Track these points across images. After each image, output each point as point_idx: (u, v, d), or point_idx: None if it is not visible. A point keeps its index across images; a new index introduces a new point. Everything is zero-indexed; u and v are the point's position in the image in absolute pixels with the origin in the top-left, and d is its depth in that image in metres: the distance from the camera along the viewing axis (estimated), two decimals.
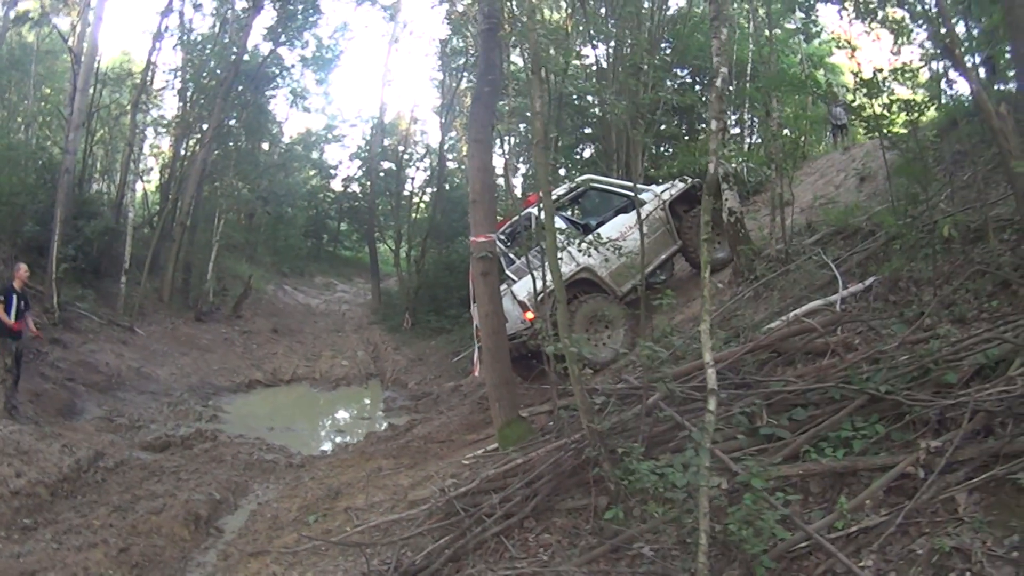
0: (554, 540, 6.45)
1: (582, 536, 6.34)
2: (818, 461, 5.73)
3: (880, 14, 10.58)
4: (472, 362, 12.12)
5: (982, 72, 11.31)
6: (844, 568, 4.68)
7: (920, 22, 9.99)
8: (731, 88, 21.01)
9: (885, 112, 10.15)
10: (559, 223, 12.82)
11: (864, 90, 10.26)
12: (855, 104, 10.68)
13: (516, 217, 13.27)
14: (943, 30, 8.88)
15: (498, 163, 28.19)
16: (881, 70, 10.18)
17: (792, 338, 8.23)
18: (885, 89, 10.06)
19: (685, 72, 26.85)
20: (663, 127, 23.27)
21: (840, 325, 8.27)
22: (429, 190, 37.70)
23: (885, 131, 10.24)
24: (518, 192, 26.10)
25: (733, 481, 5.60)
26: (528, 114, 20.39)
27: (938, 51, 9.91)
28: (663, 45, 24.46)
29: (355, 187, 45.06)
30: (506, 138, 26.87)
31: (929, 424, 5.75)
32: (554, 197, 12.86)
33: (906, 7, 10.28)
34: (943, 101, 11.40)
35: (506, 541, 6.58)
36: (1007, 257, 8.18)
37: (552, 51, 20.18)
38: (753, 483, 5.07)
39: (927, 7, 9.64)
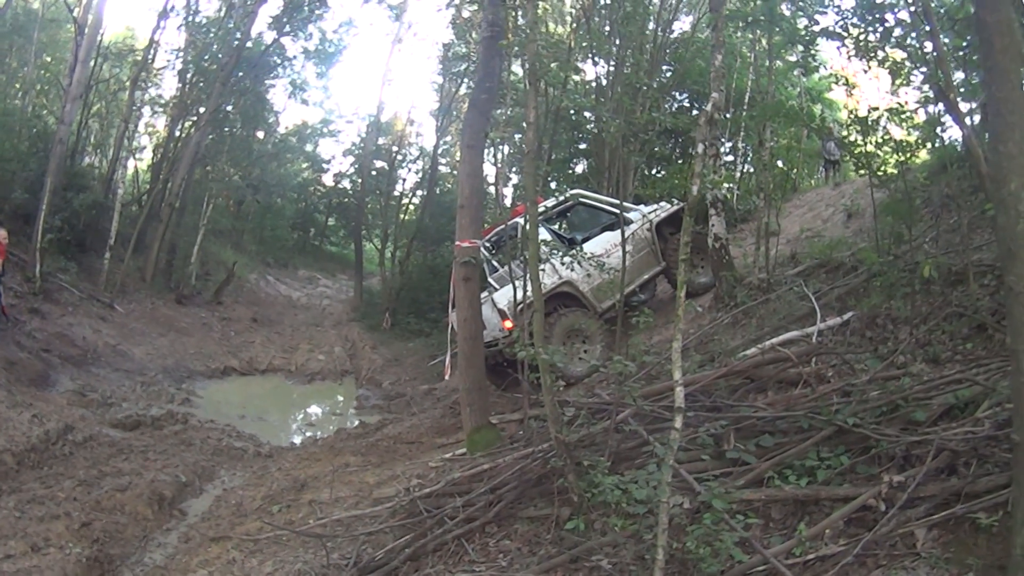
0: (514, 547, 6.46)
1: (542, 545, 6.34)
2: (781, 488, 5.75)
3: (880, 54, 10.62)
4: (445, 365, 12.09)
5: (976, 119, 11.36)
6: None
7: (918, 65, 10.05)
8: (727, 115, 21.14)
9: (877, 151, 10.22)
10: (545, 235, 12.86)
11: (858, 127, 10.33)
12: (848, 140, 10.72)
13: (502, 226, 13.26)
14: (940, 74, 8.95)
15: (490, 171, 28.46)
16: (876, 109, 10.24)
17: (766, 366, 8.23)
18: (878, 128, 10.13)
19: (683, 96, 26.89)
20: (656, 149, 23.28)
21: (815, 356, 8.27)
22: (419, 192, 37.64)
23: (876, 170, 10.29)
24: (508, 202, 26.06)
25: (695, 501, 5.63)
26: (523, 124, 20.44)
27: (934, 94, 9.94)
28: (664, 67, 24.50)
29: (346, 183, 45.04)
30: (500, 147, 27.03)
31: (895, 459, 5.78)
32: (543, 209, 12.95)
33: (906, 49, 10.33)
34: (936, 144, 11.43)
35: (466, 544, 6.58)
36: (985, 301, 8.21)
37: (552, 65, 20.23)
38: (714, 503, 5.10)
39: (926, 52, 9.70)
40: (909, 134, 10.58)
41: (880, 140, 10.07)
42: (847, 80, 13.36)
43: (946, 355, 7.68)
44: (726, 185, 17.87)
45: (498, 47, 10.89)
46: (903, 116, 10.10)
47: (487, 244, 13.75)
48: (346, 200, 44.63)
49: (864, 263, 10.77)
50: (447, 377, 11.83)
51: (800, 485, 5.74)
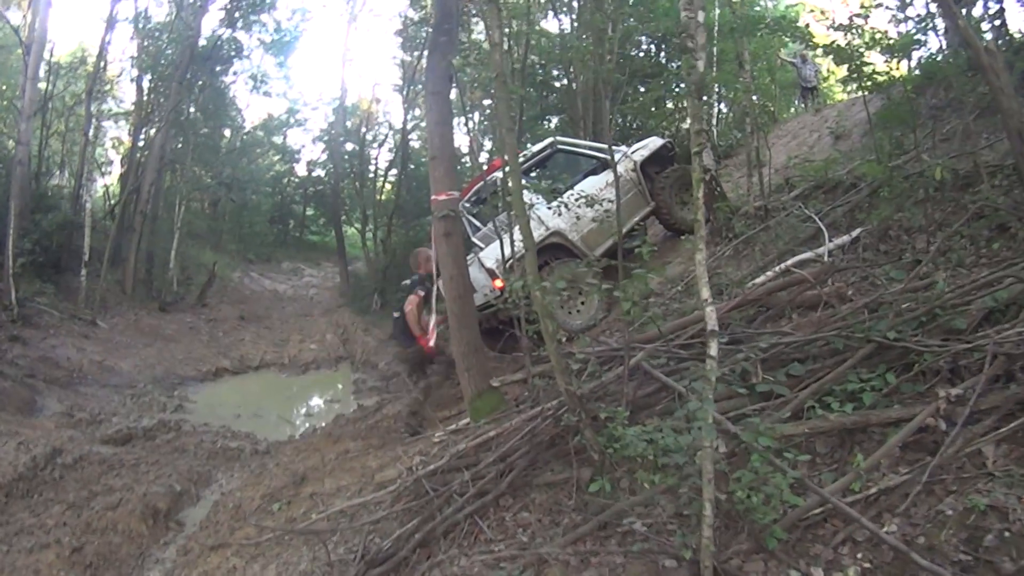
0: (534, 519, 5.93)
1: (565, 513, 5.81)
2: (825, 417, 5.22)
3: None
4: (428, 331, 11.48)
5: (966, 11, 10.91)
6: (867, 534, 4.16)
7: None
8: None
9: (864, 54, 9.78)
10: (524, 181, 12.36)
11: (842, 32, 9.88)
12: (833, 45, 10.20)
13: (480, 183, 12.70)
14: None
15: (463, 141, 28.03)
16: (859, 15, 9.83)
17: (780, 291, 7.82)
18: (862, 31, 9.69)
19: (650, 42, 26.38)
20: (629, 96, 22.87)
21: (831, 276, 7.82)
22: (393, 171, 37.14)
23: (869, 76, 9.82)
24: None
25: (732, 444, 5.06)
26: (491, 91, 19.90)
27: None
28: (627, 12, 23.98)
29: (319, 171, 44.57)
30: (471, 116, 26.61)
31: (941, 373, 5.35)
32: (521, 159, 12.37)
33: None
34: (920, 57, 11.06)
35: (480, 522, 6.06)
36: (1002, 200, 7.90)
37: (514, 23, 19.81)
38: (760, 442, 4.49)
39: None
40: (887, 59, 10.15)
41: (870, 40, 9.55)
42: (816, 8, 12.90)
43: (970, 260, 7.33)
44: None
45: None
46: (878, 39, 9.67)
47: (467, 204, 13.23)
48: (321, 188, 44.10)
49: (865, 177, 10.51)
50: (431, 344, 11.24)
51: (846, 412, 5.22)
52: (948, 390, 4.89)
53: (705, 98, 19.71)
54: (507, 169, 7.81)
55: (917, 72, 10.90)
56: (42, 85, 25.21)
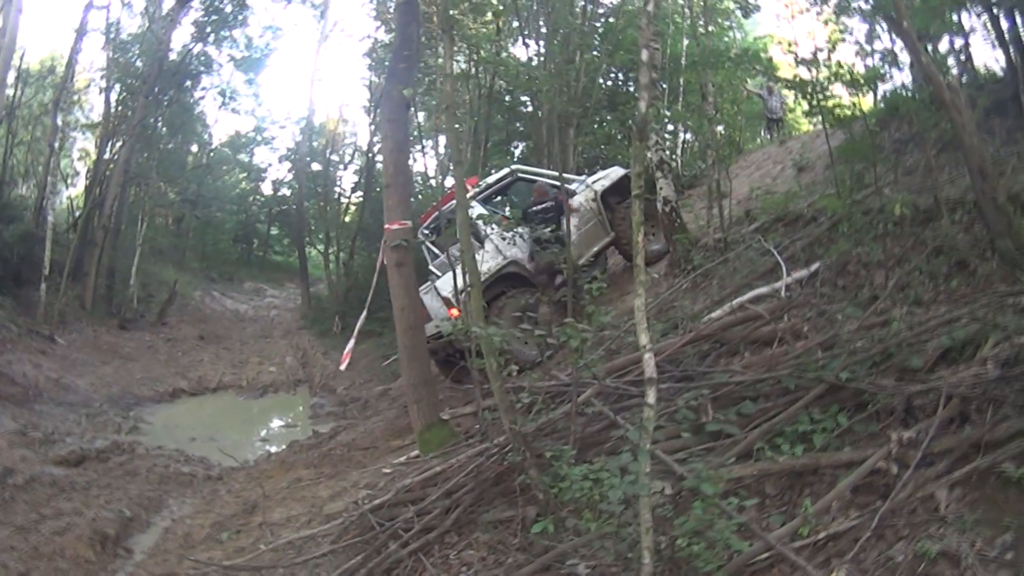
0: (478, 557, 5.84)
1: (509, 552, 5.72)
2: (774, 459, 5.14)
3: None
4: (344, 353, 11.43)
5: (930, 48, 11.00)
6: None
7: None
8: (663, 84, 20.73)
9: (827, 88, 9.81)
10: (481, 211, 12.32)
11: (806, 66, 9.91)
12: (797, 80, 10.22)
13: (437, 212, 12.64)
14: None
15: (430, 164, 28.00)
16: (823, 50, 9.90)
17: (735, 327, 7.81)
18: (829, 63, 9.73)
19: (616, 71, 26.51)
20: (594, 124, 22.96)
21: (787, 312, 7.79)
22: (358, 192, 37.03)
23: (831, 110, 9.84)
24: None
25: (679, 486, 4.95)
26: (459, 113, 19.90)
27: (887, 26, 9.52)
28: (595, 42, 24.05)
29: (285, 190, 44.34)
30: (437, 139, 26.59)
31: (895, 413, 5.29)
32: (481, 187, 12.33)
33: None
34: (884, 90, 11.15)
35: (424, 559, 5.96)
36: (962, 236, 7.92)
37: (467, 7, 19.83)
38: (703, 488, 4.37)
39: None
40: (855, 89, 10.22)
41: (834, 73, 9.57)
42: (792, 16, 12.97)
43: (928, 296, 7.32)
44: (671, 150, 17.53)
45: (414, 11, 10.24)
46: (837, 68, 9.74)
47: (425, 231, 13.15)
48: (286, 207, 43.87)
49: (825, 211, 10.47)
50: (342, 367, 11.21)
51: (795, 454, 5.16)
52: (900, 433, 4.82)
53: (671, 127, 19.85)
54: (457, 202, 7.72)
55: (881, 106, 10.93)
56: (9, 92, 24.89)
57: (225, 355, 25.36)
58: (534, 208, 12.40)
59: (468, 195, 9.62)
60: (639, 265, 4.35)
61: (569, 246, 8.38)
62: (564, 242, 9.47)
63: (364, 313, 11.60)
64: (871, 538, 4.32)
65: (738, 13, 20.10)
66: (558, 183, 12.78)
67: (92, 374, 19.78)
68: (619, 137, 23.06)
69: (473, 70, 24.91)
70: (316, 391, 20.28)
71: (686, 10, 18.92)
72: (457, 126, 6.76)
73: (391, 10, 26.67)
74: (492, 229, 11.48)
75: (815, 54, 9.95)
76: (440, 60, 24.52)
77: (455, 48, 7.46)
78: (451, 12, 6.91)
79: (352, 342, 11.02)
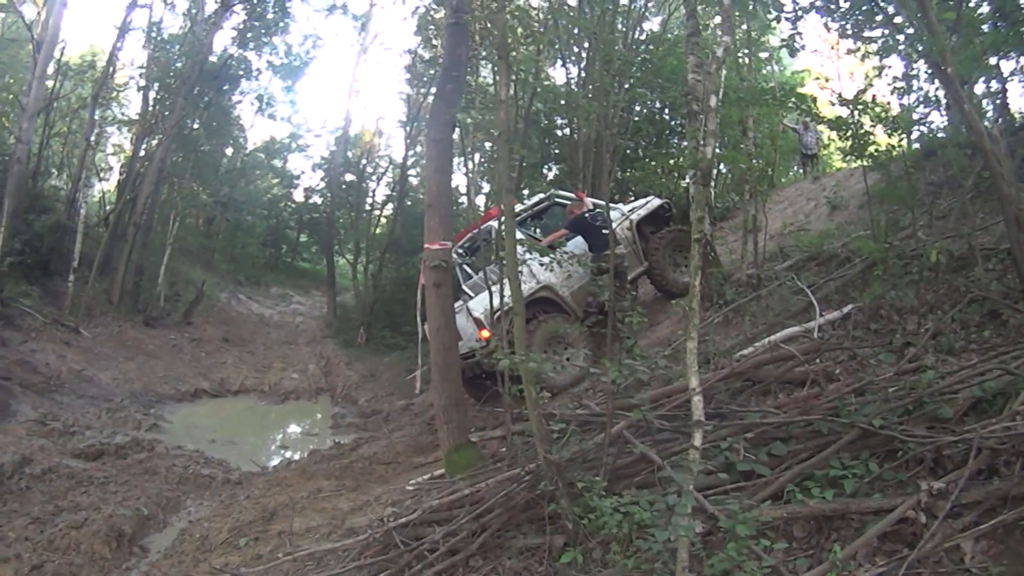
0: None
1: None
2: (804, 503, 5.11)
3: (868, 30, 10.13)
4: (416, 378, 11.47)
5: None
6: None
7: (908, 42, 9.53)
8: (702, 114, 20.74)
9: (868, 129, 9.78)
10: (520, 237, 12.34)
11: (849, 105, 9.88)
12: (836, 119, 10.22)
13: (475, 230, 12.69)
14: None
15: (461, 181, 28.03)
16: (865, 90, 9.87)
17: (768, 365, 7.73)
18: (870, 105, 9.68)
19: (654, 96, 26.50)
20: (629, 151, 22.93)
21: (820, 353, 7.74)
22: (390, 205, 37.07)
23: (870, 147, 9.81)
24: (481, 210, 25.65)
25: (710, 524, 4.97)
26: (493, 132, 19.90)
27: (929, 68, 9.48)
28: (634, 68, 24.07)
29: (316, 199, 44.42)
30: (471, 156, 26.63)
31: (924, 462, 5.27)
32: (517, 210, 12.35)
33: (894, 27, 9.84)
34: (921, 131, 11.08)
35: None
36: (995, 285, 7.90)
37: (520, 33, 19.88)
38: (738, 530, 4.40)
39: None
40: (889, 133, 10.15)
41: (876, 115, 9.55)
42: (833, 48, 12.94)
43: (960, 345, 7.25)
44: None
45: (464, 34, 10.34)
46: (879, 111, 9.68)
47: (460, 250, 13.20)
48: (317, 215, 43.95)
49: (859, 253, 10.50)
50: (416, 391, 11.22)
51: (826, 498, 5.12)
52: (931, 483, 4.81)
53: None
54: (503, 227, 7.74)
55: (916, 147, 10.92)
56: (49, 84, 25.23)
57: (248, 359, 25.43)
58: (585, 215, 12.45)
59: None
60: (694, 308, 4.40)
61: (612, 275, 8.37)
62: (606, 271, 9.48)
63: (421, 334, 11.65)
64: None
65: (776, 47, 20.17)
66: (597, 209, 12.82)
67: (115, 369, 19.89)
68: (659, 172, 23.02)
69: (512, 90, 24.89)
70: (338, 401, 20.40)
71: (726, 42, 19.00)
72: (511, 151, 6.81)
73: (432, 26, 26.87)
74: (529, 254, 11.51)
75: (858, 94, 9.90)
76: (481, 80, 24.69)
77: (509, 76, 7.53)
78: (507, 39, 6.94)
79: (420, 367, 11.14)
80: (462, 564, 6.11)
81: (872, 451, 5.49)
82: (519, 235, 11.85)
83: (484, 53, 20.85)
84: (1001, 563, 4.33)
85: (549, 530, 5.93)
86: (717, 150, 11.77)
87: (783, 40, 9.79)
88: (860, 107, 9.69)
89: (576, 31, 21.57)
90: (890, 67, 11.26)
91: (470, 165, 27.80)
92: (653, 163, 22.77)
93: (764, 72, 24.76)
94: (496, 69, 8.15)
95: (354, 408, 19.23)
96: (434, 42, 27.57)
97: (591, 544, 5.54)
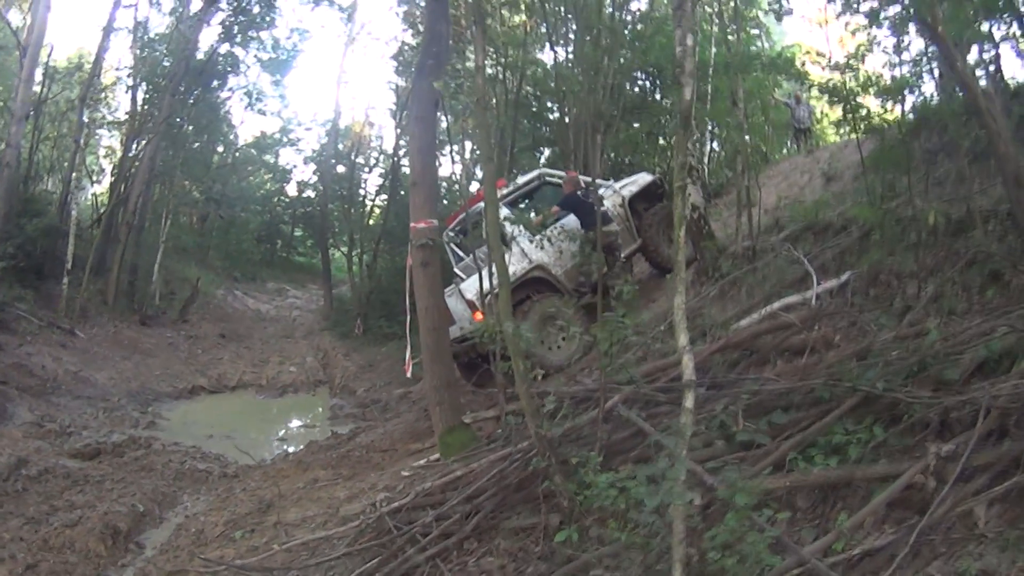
0: (497, 565, 5.70)
1: (530, 560, 5.59)
2: (808, 471, 4.95)
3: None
4: (406, 361, 11.36)
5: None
6: None
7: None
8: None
9: (859, 101, 9.68)
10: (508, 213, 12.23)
11: (839, 72, 9.76)
12: (828, 84, 10.08)
13: (464, 213, 12.56)
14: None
15: (456, 168, 27.93)
16: (855, 54, 9.74)
17: (765, 335, 7.62)
18: (862, 68, 9.59)
19: (645, 77, 26.36)
20: (620, 131, 22.86)
21: (819, 321, 7.58)
22: (383, 196, 36.95)
23: (862, 119, 9.69)
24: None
25: (709, 496, 4.80)
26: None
27: (920, 32, 9.34)
28: (623, 48, 23.94)
29: (309, 192, 44.32)
30: (463, 143, 26.53)
31: (931, 426, 5.09)
32: (507, 190, 12.20)
33: None
34: (913, 100, 10.98)
35: (442, 565, 5.84)
36: (996, 247, 7.72)
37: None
38: (737, 499, 4.21)
39: None
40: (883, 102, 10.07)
41: (867, 81, 9.42)
42: (825, 22, 12.86)
43: (962, 307, 7.10)
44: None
45: (443, 8, 10.16)
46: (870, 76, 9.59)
47: (451, 233, 13.06)
48: (310, 209, 43.84)
49: (856, 220, 10.32)
50: (408, 374, 11.11)
51: (830, 466, 4.96)
52: (939, 446, 4.64)
53: (696, 135, 19.76)
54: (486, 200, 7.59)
55: (911, 115, 10.80)
56: (37, 88, 25.19)
57: (246, 354, 25.45)
58: (577, 193, 12.33)
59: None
60: (680, 262, 4.21)
61: (600, 250, 8.25)
62: (596, 247, 9.35)
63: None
64: (908, 555, 4.14)
65: (765, 20, 20.05)
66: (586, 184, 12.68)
67: (112, 369, 19.86)
68: (644, 142, 22.95)
69: (500, 75, 25.02)
70: (336, 392, 20.35)
71: (714, 17, 18.88)
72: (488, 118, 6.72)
73: (418, 12, 26.73)
74: (519, 232, 11.35)
75: (848, 59, 9.78)
76: (468, 64, 24.56)
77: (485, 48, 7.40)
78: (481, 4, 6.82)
79: (409, 352, 11.00)
80: (456, 547, 6.03)
81: (876, 416, 5.31)
82: (509, 213, 11.75)
83: (469, 35, 20.71)
84: (1018, 527, 4.13)
85: (544, 509, 5.81)
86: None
87: (769, 3, 9.68)
88: (851, 71, 9.58)
89: (563, 11, 21.45)
90: (880, 40, 11.15)
91: (464, 152, 27.69)
92: (632, 133, 22.67)
93: (755, 48, 24.67)
94: (473, 42, 8.04)
95: (352, 399, 19.15)
96: (420, 27, 27.48)
97: (587, 522, 5.41)
